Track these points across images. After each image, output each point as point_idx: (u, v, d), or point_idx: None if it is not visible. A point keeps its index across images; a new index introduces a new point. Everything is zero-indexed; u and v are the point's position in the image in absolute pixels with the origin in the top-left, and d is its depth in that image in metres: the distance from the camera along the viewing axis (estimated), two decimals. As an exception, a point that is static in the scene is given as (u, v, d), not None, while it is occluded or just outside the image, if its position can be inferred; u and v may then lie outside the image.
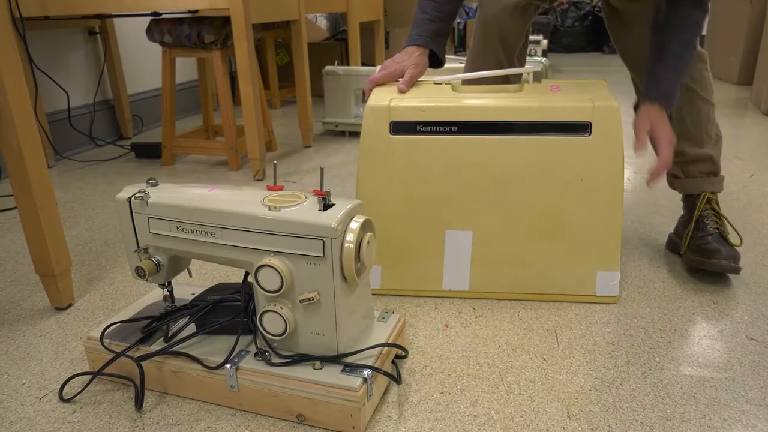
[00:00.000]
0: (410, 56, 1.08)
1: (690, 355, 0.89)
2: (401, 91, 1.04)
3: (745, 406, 0.78)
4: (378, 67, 1.18)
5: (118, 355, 0.81)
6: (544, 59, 2.80)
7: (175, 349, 0.81)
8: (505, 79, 1.16)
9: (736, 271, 1.07)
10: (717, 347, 0.91)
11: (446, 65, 1.18)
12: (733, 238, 1.13)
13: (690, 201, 1.20)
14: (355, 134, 2.39)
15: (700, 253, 1.11)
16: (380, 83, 1.09)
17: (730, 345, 0.92)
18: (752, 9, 3.06)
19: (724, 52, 3.35)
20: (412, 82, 1.07)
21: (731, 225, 1.17)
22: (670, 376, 0.85)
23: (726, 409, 0.78)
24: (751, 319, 0.98)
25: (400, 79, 1.06)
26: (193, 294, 0.93)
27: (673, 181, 1.20)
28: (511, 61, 1.19)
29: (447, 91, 1.07)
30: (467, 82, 1.16)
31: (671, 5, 1.00)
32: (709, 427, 0.75)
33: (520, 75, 1.12)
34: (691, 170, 1.16)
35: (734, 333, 0.95)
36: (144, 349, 0.83)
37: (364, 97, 1.20)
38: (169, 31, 1.86)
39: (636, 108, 1.17)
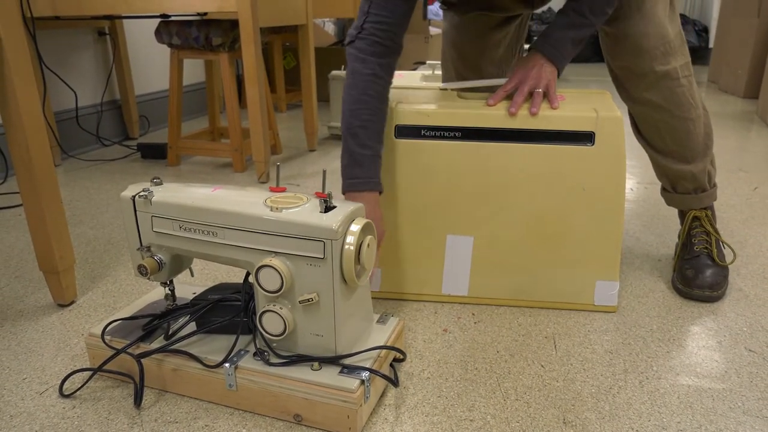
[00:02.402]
0: (374, 208, 0.94)
1: (688, 365, 0.89)
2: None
3: (741, 416, 0.78)
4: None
5: (118, 352, 0.82)
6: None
7: (175, 347, 0.82)
8: None
9: (711, 300, 1.07)
10: (715, 358, 0.91)
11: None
12: (732, 250, 1.13)
13: (682, 216, 1.20)
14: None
15: (681, 279, 1.11)
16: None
17: (728, 356, 0.92)
18: (759, 22, 3.07)
19: (730, 65, 3.35)
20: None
21: (723, 242, 1.14)
22: (667, 385, 0.85)
23: (722, 419, 0.78)
24: (750, 331, 0.98)
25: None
26: (194, 293, 0.93)
27: (663, 194, 1.19)
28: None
29: (452, 97, 1.08)
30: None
31: None
32: (704, 437, 0.75)
33: None
34: (679, 186, 1.14)
35: (733, 344, 0.95)
36: (144, 347, 0.83)
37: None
38: (178, 33, 1.88)
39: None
